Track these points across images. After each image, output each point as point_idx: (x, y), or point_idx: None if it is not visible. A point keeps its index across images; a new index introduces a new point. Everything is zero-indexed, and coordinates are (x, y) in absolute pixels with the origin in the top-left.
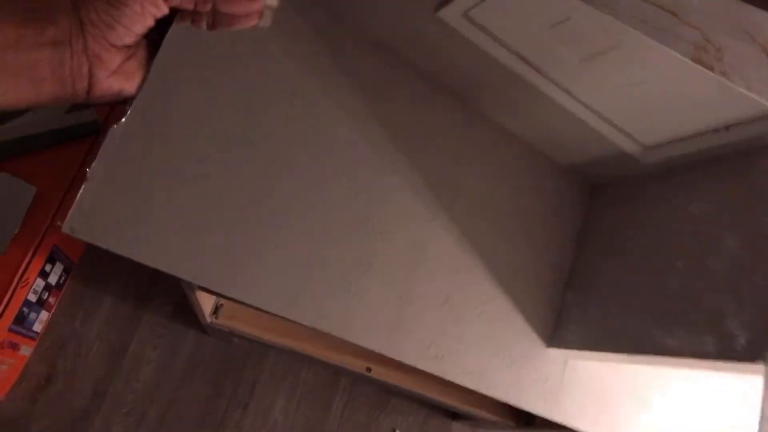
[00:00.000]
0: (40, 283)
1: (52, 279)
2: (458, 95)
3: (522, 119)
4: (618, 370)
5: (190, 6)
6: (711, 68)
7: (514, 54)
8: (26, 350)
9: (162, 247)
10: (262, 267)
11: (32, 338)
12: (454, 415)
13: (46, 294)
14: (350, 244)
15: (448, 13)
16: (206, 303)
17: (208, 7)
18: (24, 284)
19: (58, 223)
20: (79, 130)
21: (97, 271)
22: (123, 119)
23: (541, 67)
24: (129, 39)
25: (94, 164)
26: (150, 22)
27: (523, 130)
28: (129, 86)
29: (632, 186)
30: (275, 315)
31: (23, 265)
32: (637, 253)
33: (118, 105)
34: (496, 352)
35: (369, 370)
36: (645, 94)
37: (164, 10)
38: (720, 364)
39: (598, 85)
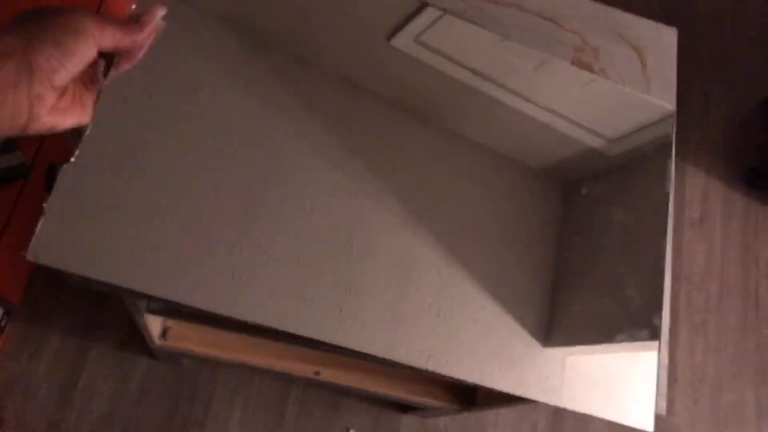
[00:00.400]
0: None
1: None
2: (423, 116)
3: (488, 130)
4: (617, 357)
5: (127, 45)
6: (590, 67)
7: (469, 70)
8: None
9: (120, 264)
10: (251, 299)
11: None
12: (404, 408)
13: None
14: (336, 270)
15: (400, 41)
16: (154, 326)
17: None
18: None
19: (22, 252)
20: (8, 173)
21: (40, 309)
22: (73, 158)
23: (498, 80)
24: (69, 79)
25: (49, 199)
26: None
27: (492, 140)
28: (63, 121)
29: (603, 180)
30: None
31: None
32: (602, 244)
33: (45, 146)
34: (494, 357)
35: (318, 373)
36: (597, 91)
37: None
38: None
39: (555, 88)
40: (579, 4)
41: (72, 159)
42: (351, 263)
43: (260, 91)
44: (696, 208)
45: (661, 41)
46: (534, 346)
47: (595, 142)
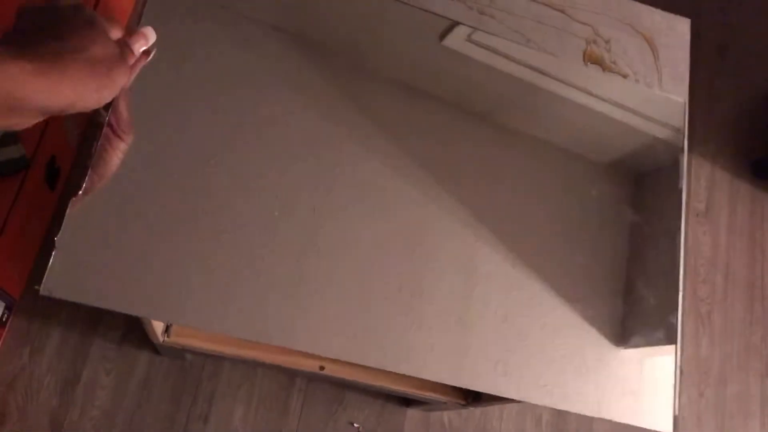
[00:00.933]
0: None
1: None
2: (482, 116)
3: (550, 126)
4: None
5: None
6: (602, 60)
7: (526, 66)
8: None
9: (139, 295)
10: (310, 315)
11: None
12: (408, 402)
13: None
14: (400, 277)
15: (452, 41)
16: (157, 324)
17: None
18: None
19: (36, 286)
20: (9, 165)
21: (41, 303)
22: (81, 191)
23: (556, 74)
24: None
25: (59, 233)
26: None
27: (554, 136)
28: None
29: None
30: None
31: None
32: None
33: (46, 138)
34: (567, 361)
35: (322, 368)
36: None
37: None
38: None
39: (616, 79)
40: None
41: (81, 191)
42: (414, 268)
43: (317, 100)
44: (701, 199)
45: (675, 32)
46: (609, 348)
47: (661, 133)
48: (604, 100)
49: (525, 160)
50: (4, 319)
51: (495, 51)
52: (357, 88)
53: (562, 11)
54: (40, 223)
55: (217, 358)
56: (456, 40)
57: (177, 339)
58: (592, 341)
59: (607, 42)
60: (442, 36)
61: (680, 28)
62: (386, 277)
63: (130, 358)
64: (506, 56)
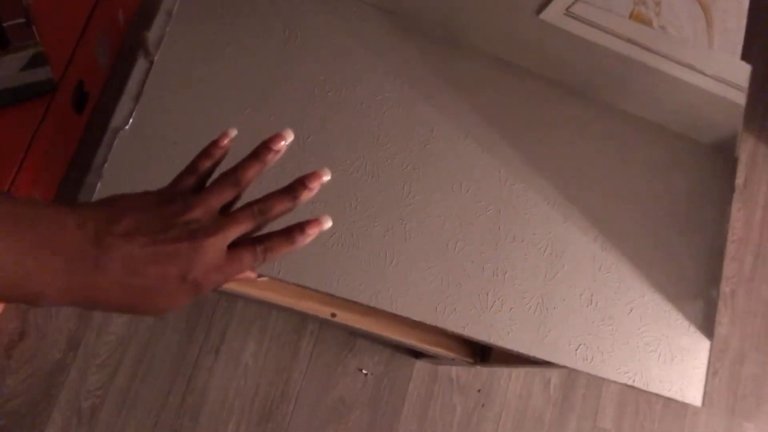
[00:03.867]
0: None
1: None
2: (580, 92)
3: (651, 104)
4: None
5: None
6: (650, 22)
7: (626, 40)
8: None
9: None
10: (399, 281)
11: None
12: (417, 354)
13: None
14: (484, 255)
15: (550, 14)
16: None
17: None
18: None
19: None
20: (36, 87)
21: None
22: (128, 124)
23: (657, 48)
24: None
25: (106, 165)
26: None
27: (655, 114)
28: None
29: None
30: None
31: None
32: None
33: (74, 62)
34: (652, 348)
35: (334, 315)
36: None
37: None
38: None
39: (721, 54)
40: None
41: (130, 121)
42: (499, 247)
43: (412, 75)
44: (740, 174)
45: None
46: (698, 338)
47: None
48: (711, 77)
49: (624, 138)
50: None
51: (594, 24)
52: (452, 64)
53: None
54: (66, 146)
55: (232, 295)
56: (554, 13)
57: None
58: (679, 329)
59: (657, 3)
60: (539, 10)
61: None
62: (471, 255)
63: None
64: (605, 29)
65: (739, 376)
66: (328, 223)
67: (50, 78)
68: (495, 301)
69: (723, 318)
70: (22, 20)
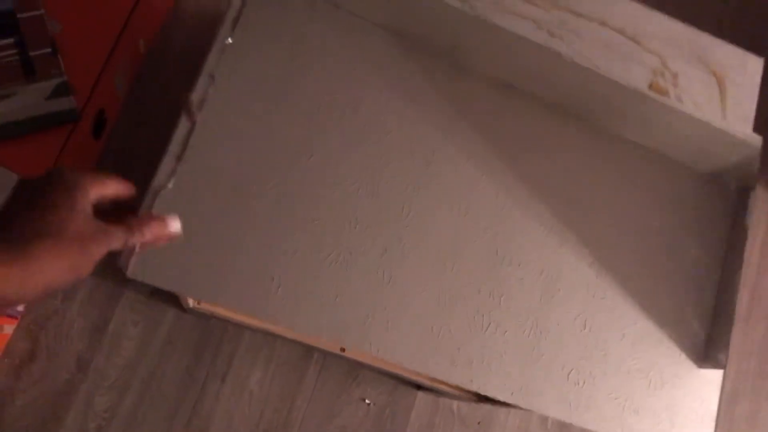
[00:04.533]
0: None
1: None
2: (581, 118)
3: (651, 133)
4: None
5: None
6: (667, 93)
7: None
8: (8, 329)
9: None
10: (394, 325)
11: (14, 317)
12: (419, 386)
13: None
14: (480, 278)
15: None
16: None
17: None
18: None
19: (122, 267)
20: (59, 117)
21: None
22: (170, 184)
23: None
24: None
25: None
26: None
27: (655, 142)
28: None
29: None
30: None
31: None
32: None
33: (96, 92)
34: (643, 374)
35: (343, 350)
36: None
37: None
38: None
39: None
40: (666, 24)
41: (172, 180)
42: (495, 269)
43: (416, 96)
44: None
45: (746, 70)
46: (688, 365)
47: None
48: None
49: (622, 165)
50: None
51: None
52: (456, 86)
53: (634, 39)
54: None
55: (240, 325)
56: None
57: (207, 306)
58: (671, 357)
59: (675, 76)
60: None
61: (752, 66)
62: (467, 277)
63: (157, 312)
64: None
65: (732, 415)
66: (174, 225)
67: (73, 108)
68: (490, 323)
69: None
70: (48, 50)
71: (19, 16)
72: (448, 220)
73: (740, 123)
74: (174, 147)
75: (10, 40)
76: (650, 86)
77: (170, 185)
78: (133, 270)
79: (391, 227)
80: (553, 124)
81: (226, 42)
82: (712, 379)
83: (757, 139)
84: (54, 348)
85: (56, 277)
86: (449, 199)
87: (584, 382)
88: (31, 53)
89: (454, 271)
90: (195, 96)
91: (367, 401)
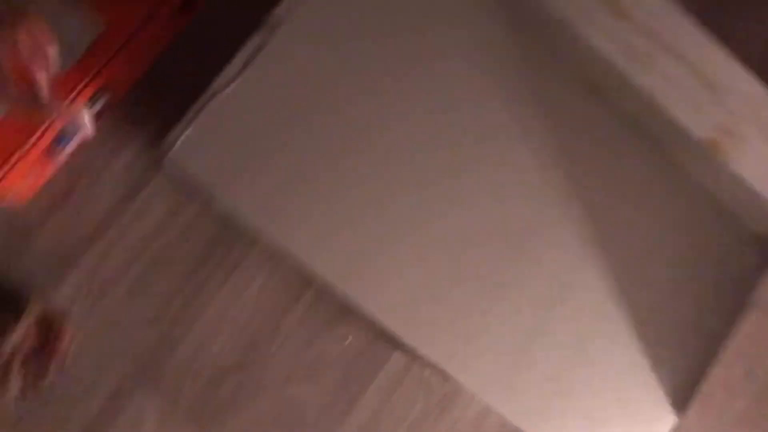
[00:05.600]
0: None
1: (94, 110)
2: (655, 140)
3: (722, 177)
4: None
5: None
6: (726, 153)
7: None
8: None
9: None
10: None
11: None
12: (397, 345)
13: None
14: (497, 266)
15: None
16: None
17: None
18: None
19: (163, 145)
20: None
21: (137, 112)
22: (229, 89)
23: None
24: None
25: (204, 111)
26: None
27: (719, 187)
28: None
29: None
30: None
31: (71, 97)
32: None
33: None
34: (620, 405)
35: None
36: None
37: None
38: None
39: None
40: (751, 83)
41: (231, 86)
42: (512, 262)
43: (497, 94)
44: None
45: None
46: (664, 409)
47: None
48: None
49: (675, 196)
50: (101, 111)
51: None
52: (543, 85)
53: (711, 88)
54: (161, 42)
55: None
56: None
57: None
58: (652, 395)
59: (741, 139)
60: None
61: None
62: (478, 269)
63: (183, 201)
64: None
65: None
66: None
67: None
68: (489, 313)
69: (691, 412)
70: None
71: None
72: (484, 201)
73: None
74: (243, 55)
75: None
76: (710, 141)
77: (228, 90)
78: (177, 153)
79: (429, 190)
80: (626, 135)
81: None
82: (690, 427)
83: None
84: (83, 203)
85: None
86: (492, 193)
87: (563, 394)
88: None
89: (473, 250)
90: (278, 12)
91: (346, 342)
